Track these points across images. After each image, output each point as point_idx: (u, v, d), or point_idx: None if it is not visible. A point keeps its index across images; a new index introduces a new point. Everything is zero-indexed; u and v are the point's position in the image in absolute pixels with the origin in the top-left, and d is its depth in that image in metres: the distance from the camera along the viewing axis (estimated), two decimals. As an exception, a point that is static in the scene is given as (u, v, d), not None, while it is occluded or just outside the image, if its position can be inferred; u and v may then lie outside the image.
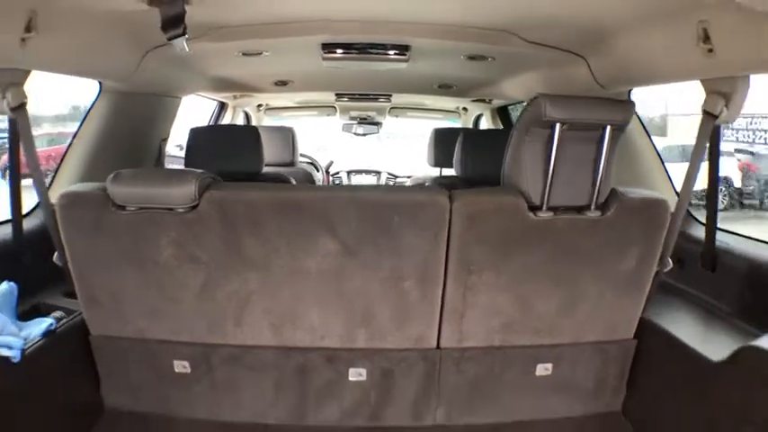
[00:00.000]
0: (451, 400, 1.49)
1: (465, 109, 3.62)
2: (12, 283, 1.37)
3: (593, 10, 1.27)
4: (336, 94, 3.15)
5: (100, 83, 1.74)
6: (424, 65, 1.97)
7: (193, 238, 1.32)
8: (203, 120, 3.29)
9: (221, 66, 2.07)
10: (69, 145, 1.78)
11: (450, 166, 2.40)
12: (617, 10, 1.25)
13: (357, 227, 1.32)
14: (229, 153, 1.92)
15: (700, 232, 1.59)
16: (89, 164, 1.76)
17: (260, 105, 3.57)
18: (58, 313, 1.46)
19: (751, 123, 11.15)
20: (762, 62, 1.09)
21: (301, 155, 3.51)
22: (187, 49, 1.06)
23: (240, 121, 3.57)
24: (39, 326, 1.35)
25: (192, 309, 1.39)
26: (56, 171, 1.76)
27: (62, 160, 1.76)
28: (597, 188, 1.29)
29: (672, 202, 1.40)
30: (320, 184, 3.57)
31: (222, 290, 1.37)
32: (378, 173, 3.95)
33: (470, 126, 3.70)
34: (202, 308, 1.39)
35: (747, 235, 1.57)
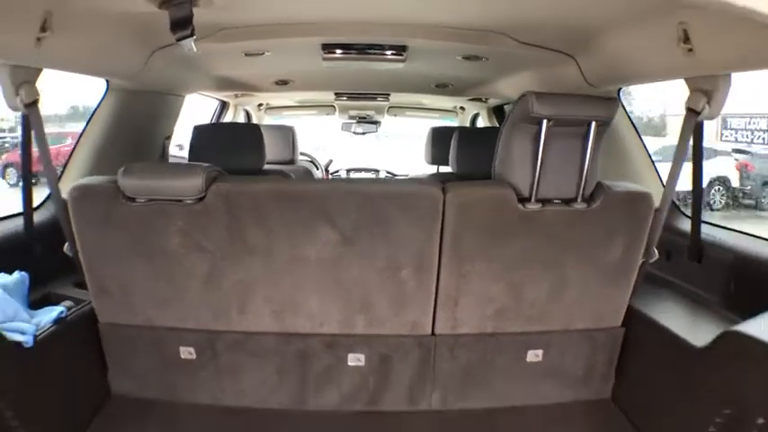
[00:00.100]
0: (446, 386, 1.55)
1: (462, 108, 3.68)
2: (23, 273, 1.44)
3: (580, 12, 1.33)
4: (336, 94, 3.20)
5: (107, 81, 1.80)
6: (420, 65, 2.03)
7: (200, 229, 1.38)
8: (200, 119, 3.34)
9: (224, 65, 2.13)
10: (77, 141, 1.84)
11: (447, 164, 2.46)
12: (603, 11, 1.31)
13: (355, 217, 1.38)
14: (232, 150, 1.98)
15: (686, 225, 1.64)
16: (96, 159, 1.82)
17: (260, 104, 3.62)
18: (67, 302, 1.51)
19: (749, 123, 11.22)
20: (740, 61, 1.15)
21: (301, 153, 3.56)
22: (195, 50, 1.11)
23: (241, 119, 3.62)
24: (49, 314, 1.41)
25: (198, 297, 1.44)
26: (65, 166, 1.82)
27: (71, 155, 1.82)
28: (583, 181, 1.35)
29: (659, 195, 1.45)
30: None
31: (227, 278, 1.43)
32: (376, 171, 4.01)
33: (468, 125, 3.76)
34: (208, 296, 1.44)
35: (731, 227, 1.63)
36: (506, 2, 1.33)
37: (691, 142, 1.44)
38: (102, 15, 1.30)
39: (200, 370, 1.52)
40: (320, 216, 1.38)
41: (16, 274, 1.42)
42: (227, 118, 3.40)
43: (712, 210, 9.25)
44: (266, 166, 2.18)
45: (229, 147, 1.99)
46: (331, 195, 1.39)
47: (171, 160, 2.38)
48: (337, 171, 4.03)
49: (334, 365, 1.51)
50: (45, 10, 1.11)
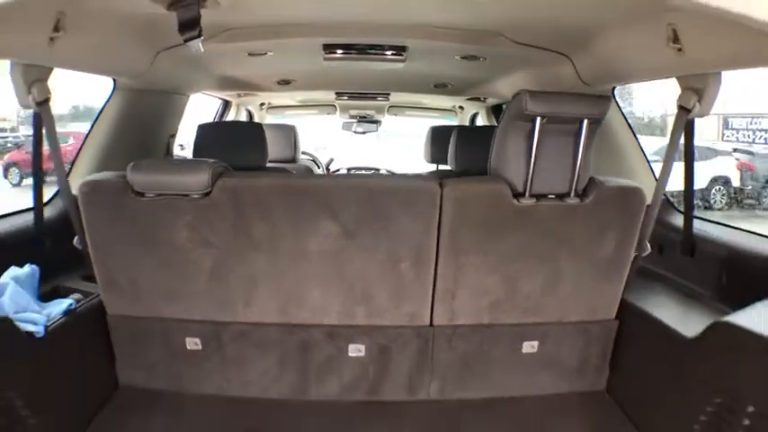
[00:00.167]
0: (444, 376, 1.59)
1: (461, 107, 3.72)
2: (34, 266, 1.47)
3: (574, 13, 1.37)
4: (336, 93, 3.25)
5: (114, 80, 1.84)
6: (420, 64, 2.07)
7: (206, 223, 1.43)
8: (198, 120, 3.37)
9: (228, 65, 2.18)
10: (85, 138, 1.89)
11: (446, 162, 2.50)
12: (596, 13, 1.35)
13: (356, 211, 1.43)
14: (236, 148, 2.02)
15: (679, 221, 1.68)
16: (103, 156, 1.87)
17: (262, 104, 3.66)
18: (76, 295, 1.55)
19: (751, 123, 11.23)
20: (729, 60, 1.19)
21: (303, 152, 3.61)
22: (202, 50, 1.15)
23: (243, 118, 3.67)
24: (59, 306, 1.45)
25: (204, 289, 1.49)
26: (73, 162, 1.86)
27: (78, 152, 1.87)
28: (576, 177, 1.40)
29: (653, 191, 1.49)
30: None
31: (232, 270, 1.47)
32: (377, 170, 4.06)
33: (467, 124, 3.80)
34: (214, 287, 1.49)
35: (723, 222, 1.67)
36: (503, 3, 1.37)
37: (686, 140, 1.48)
38: (112, 16, 1.34)
39: (206, 361, 1.56)
40: (323, 210, 1.43)
41: (27, 268, 1.46)
42: (230, 117, 3.45)
43: (713, 209, 9.26)
44: (268, 165, 2.22)
45: (233, 145, 2.04)
46: (333, 190, 1.43)
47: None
48: (338, 170, 4.07)
49: (335, 356, 1.56)
50: (58, 11, 1.15)
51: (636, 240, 1.49)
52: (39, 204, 1.57)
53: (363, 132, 3.97)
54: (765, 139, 11.08)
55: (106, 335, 1.57)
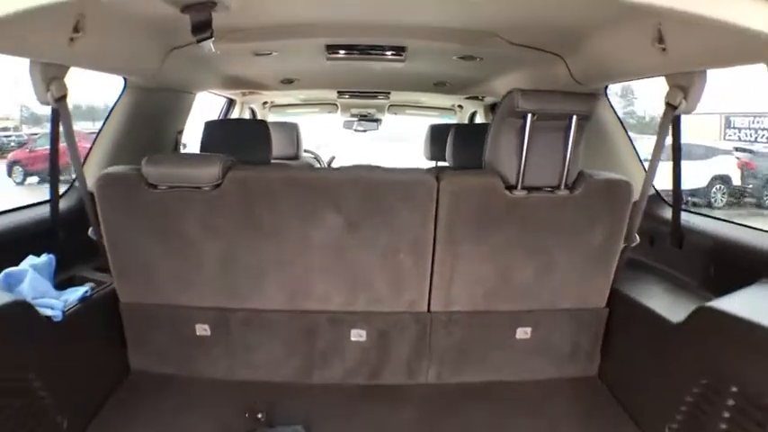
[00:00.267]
0: (442, 360, 1.66)
1: (460, 106, 3.79)
2: (51, 255, 1.54)
3: (566, 16, 1.44)
4: (338, 92, 3.33)
5: (125, 79, 1.91)
6: (419, 64, 2.14)
7: (217, 214, 1.50)
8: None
9: (235, 64, 2.25)
10: (98, 134, 1.96)
11: (445, 159, 2.58)
12: (586, 14, 1.42)
13: (358, 203, 1.50)
14: (241, 144, 2.09)
15: (669, 214, 1.74)
16: (115, 151, 1.94)
17: (265, 102, 3.73)
18: (89, 284, 1.62)
19: (753, 122, 11.23)
20: (711, 59, 1.26)
21: (305, 150, 3.68)
22: (213, 50, 1.22)
23: (246, 116, 3.74)
24: (75, 293, 1.53)
25: (213, 276, 1.56)
26: (85, 157, 1.93)
27: (91, 148, 1.94)
28: (566, 170, 1.47)
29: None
30: None
31: (241, 259, 1.55)
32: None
33: (466, 122, 3.87)
34: (223, 275, 1.56)
35: (710, 215, 1.73)
36: (498, 6, 1.44)
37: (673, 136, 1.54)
38: (128, 18, 1.41)
39: (215, 346, 1.64)
40: (327, 202, 1.50)
41: (44, 257, 1.53)
42: (234, 115, 3.52)
43: (713, 208, 9.27)
44: (272, 161, 2.30)
45: (239, 141, 2.11)
46: (337, 183, 1.51)
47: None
48: (339, 168, 4.14)
49: (337, 341, 1.63)
50: (78, 13, 1.22)
51: (624, 231, 1.56)
52: (55, 197, 1.65)
53: (364, 131, 4.04)
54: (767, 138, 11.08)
55: (119, 321, 1.64)
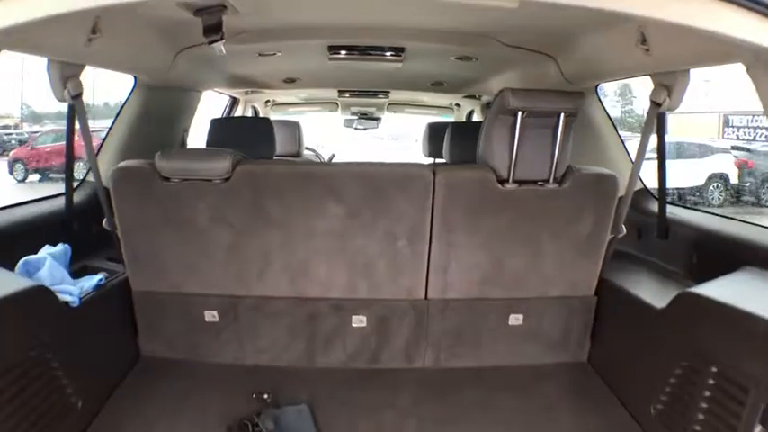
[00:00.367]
0: (438, 345, 1.74)
1: (458, 105, 3.87)
2: (66, 245, 1.62)
3: (557, 18, 1.52)
4: (339, 91, 3.41)
5: (135, 78, 1.99)
6: (417, 64, 2.22)
7: (226, 205, 1.59)
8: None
9: (240, 64, 2.33)
10: (109, 130, 2.04)
11: (442, 156, 2.66)
12: (576, 18, 1.49)
13: (359, 195, 1.59)
14: (246, 141, 2.17)
15: (656, 207, 1.80)
16: (124, 147, 2.02)
17: (267, 101, 3.81)
18: (103, 273, 1.70)
19: (752, 121, 11.28)
20: (692, 59, 1.34)
21: (306, 148, 3.76)
22: (224, 52, 1.29)
23: (249, 115, 3.82)
24: (90, 280, 1.60)
25: (222, 265, 1.65)
26: (96, 153, 2.01)
27: (102, 143, 2.02)
28: (554, 164, 1.56)
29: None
30: None
31: (249, 248, 1.63)
32: None
33: (464, 120, 3.95)
34: (231, 264, 1.65)
35: (695, 207, 1.81)
36: (493, 9, 1.52)
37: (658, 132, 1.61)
38: (141, 20, 1.48)
39: (222, 331, 1.72)
40: (330, 194, 1.59)
41: (60, 246, 1.60)
42: (237, 113, 3.60)
43: (711, 206, 9.31)
44: (275, 158, 2.38)
45: (244, 138, 2.19)
46: (339, 176, 1.60)
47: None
48: None
49: (340, 326, 1.71)
50: (96, 15, 1.29)
51: (611, 223, 1.64)
52: (70, 191, 1.73)
53: (364, 129, 4.11)
54: (766, 136, 11.12)
55: (130, 309, 1.72)
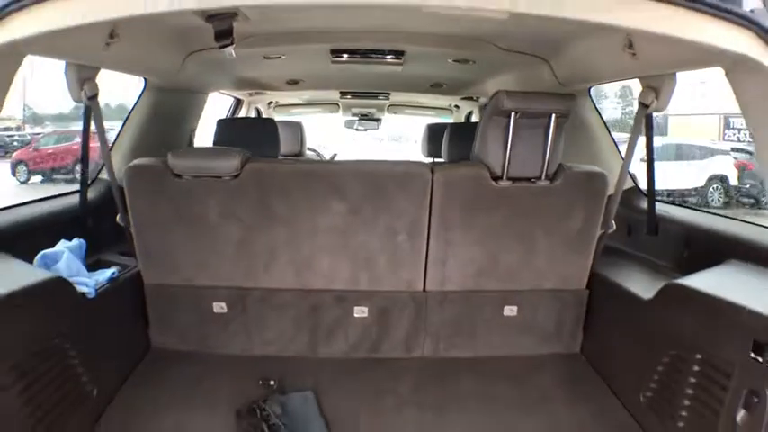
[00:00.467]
0: (437, 335, 1.82)
1: (457, 106, 3.95)
2: (81, 240, 1.68)
3: (550, 24, 1.58)
4: (341, 93, 3.49)
5: (145, 80, 2.07)
6: (417, 67, 2.30)
7: (235, 201, 1.66)
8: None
9: (246, 67, 2.41)
10: (120, 131, 2.12)
11: (441, 156, 2.73)
12: (567, 24, 1.56)
13: (360, 192, 1.67)
14: (251, 141, 2.24)
15: (646, 205, 1.87)
16: (135, 146, 2.09)
17: (270, 102, 3.89)
18: (116, 267, 1.76)
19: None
20: (676, 63, 1.40)
21: (308, 148, 3.84)
22: (234, 55, 1.36)
23: (252, 116, 3.90)
24: (104, 273, 1.67)
25: (231, 258, 1.72)
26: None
27: (114, 143, 2.09)
28: (546, 163, 1.63)
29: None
30: None
31: (256, 242, 1.71)
32: None
33: (463, 122, 4.03)
34: (240, 257, 1.72)
35: (683, 205, 1.88)
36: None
37: (646, 133, 1.69)
38: (155, 24, 1.55)
39: (231, 322, 1.79)
40: (333, 191, 1.67)
41: (75, 241, 1.67)
42: (241, 114, 3.68)
43: (710, 208, 9.33)
44: (279, 157, 2.45)
45: (249, 138, 2.27)
46: (342, 174, 1.68)
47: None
48: None
49: (342, 317, 1.79)
50: (114, 20, 1.37)
51: (601, 219, 1.71)
52: (84, 188, 1.80)
53: (365, 129, 4.19)
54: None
55: (142, 301, 1.79)
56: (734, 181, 9.85)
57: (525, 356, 1.82)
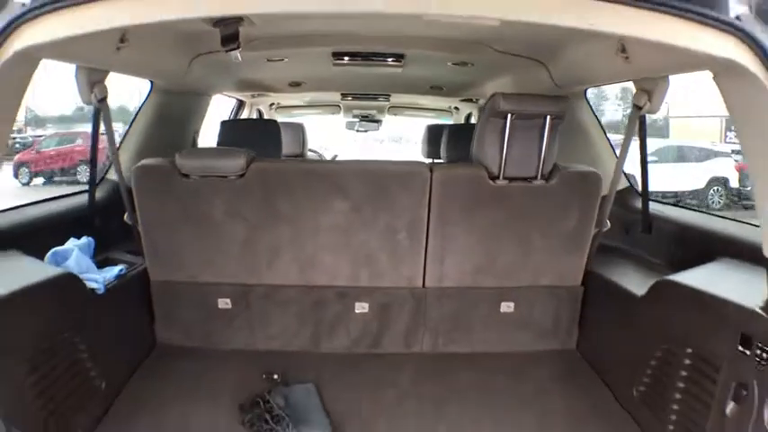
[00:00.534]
0: (436, 331, 1.86)
1: (456, 108, 4.00)
2: (90, 238, 1.73)
3: (547, 28, 1.62)
4: (342, 95, 3.54)
5: (151, 82, 2.11)
6: (416, 69, 2.35)
7: (240, 200, 1.71)
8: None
9: (250, 70, 2.46)
10: (127, 131, 2.16)
11: (440, 157, 2.78)
12: (563, 29, 1.61)
13: (362, 191, 1.71)
14: (254, 141, 2.28)
15: (640, 204, 1.92)
16: (141, 147, 2.13)
17: (272, 104, 3.93)
18: (123, 264, 1.80)
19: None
20: (668, 67, 1.44)
21: (310, 150, 3.90)
22: (240, 59, 1.40)
23: (254, 117, 3.95)
24: (112, 270, 1.72)
25: (236, 255, 1.77)
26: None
27: (121, 143, 2.13)
28: (541, 163, 1.68)
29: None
30: None
31: (261, 240, 1.75)
32: None
33: (462, 123, 4.08)
34: (244, 255, 1.77)
35: (676, 203, 1.92)
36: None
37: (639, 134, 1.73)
38: (163, 29, 1.59)
39: (235, 318, 1.83)
40: (336, 191, 1.71)
41: (84, 239, 1.71)
42: (243, 115, 3.73)
43: (710, 210, 9.35)
44: (281, 158, 2.50)
45: (253, 138, 2.31)
46: (344, 173, 1.73)
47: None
48: None
49: (344, 312, 1.83)
50: (125, 25, 1.41)
51: (595, 217, 1.76)
52: (92, 188, 1.85)
53: (366, 131, 4.24)
54: None
55: (148, 298, 1.84)
56: (734, 183, 9.86)
57: (522, 352, 1.86)
